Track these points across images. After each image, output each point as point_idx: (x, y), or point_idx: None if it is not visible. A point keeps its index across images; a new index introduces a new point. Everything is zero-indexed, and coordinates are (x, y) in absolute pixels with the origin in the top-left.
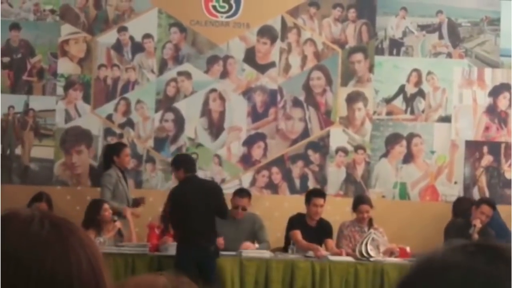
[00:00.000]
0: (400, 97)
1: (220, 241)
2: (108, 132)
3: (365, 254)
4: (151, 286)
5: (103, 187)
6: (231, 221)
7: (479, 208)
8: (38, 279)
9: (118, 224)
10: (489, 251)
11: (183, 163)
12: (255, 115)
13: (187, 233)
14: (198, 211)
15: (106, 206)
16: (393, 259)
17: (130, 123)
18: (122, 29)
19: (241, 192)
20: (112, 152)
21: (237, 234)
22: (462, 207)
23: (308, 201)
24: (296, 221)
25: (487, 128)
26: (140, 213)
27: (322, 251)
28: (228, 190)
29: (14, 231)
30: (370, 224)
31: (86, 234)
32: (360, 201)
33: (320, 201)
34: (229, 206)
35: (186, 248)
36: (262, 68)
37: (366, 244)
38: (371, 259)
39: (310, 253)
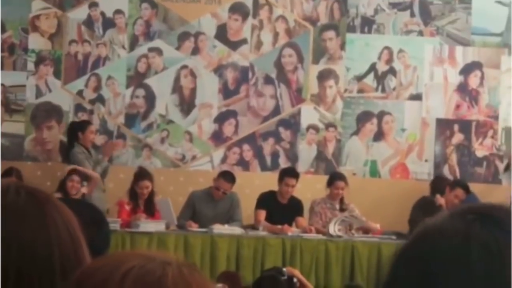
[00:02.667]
0: (371, 75)
1: (192, 224)
2: (78, 108)
3: (333, 234)
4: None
5: (80, 164)
6: (209, 201)
7: (453, 191)
8: (19, 247)
9: (84, 189)
10: (487, 218)
11: None
12: (227, 92)
13: None
14: None
15: (74, 177)
16: (363, 237)
17: (100, 99)
18: (93, 5)
19: (228, 176)
20: (77, 128)
21: (215, 213)
22: (440, 186)
23: (280, 180)
24: (266, 199)
25: (458, 106)
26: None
27: (287, 230)
28: (199, 167)
29: None
30: (342, 202)
31: (60, 202)
32: (336, 177)
33: (292, 181)
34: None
35: None
36: (234, 45)
37: (334, 225)
38: (341, 239)
39: None
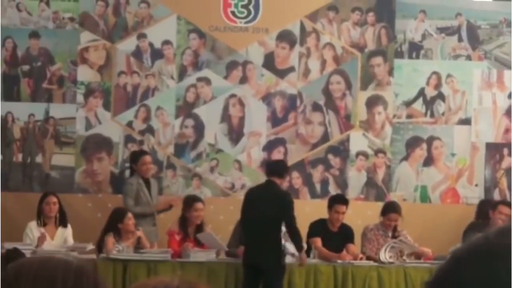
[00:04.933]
0: (420, 100)
1: (240, 251)
2: (128, 139)
3: (385, 261)
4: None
5: (124, 196)
6: None
7: (496, 210)
8: None
9: (139, 233)
10: None
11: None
12: (275, 120)
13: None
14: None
15: (130, 215)
16: (414, 263)
17: (150, 130)
18: (142, 36)
19: None
20: (131, 160)
21: None
22: (485, 209)
23: (330, 207)
24: (317, 227)
25: (507, 130)
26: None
27: (346, 256)
28: None
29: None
30: (395, 229)
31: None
32: (391, 209)
33: (342, 208)
34: None
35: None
36: (282, 73)
37: (385, 252)
38: (393, 265)
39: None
